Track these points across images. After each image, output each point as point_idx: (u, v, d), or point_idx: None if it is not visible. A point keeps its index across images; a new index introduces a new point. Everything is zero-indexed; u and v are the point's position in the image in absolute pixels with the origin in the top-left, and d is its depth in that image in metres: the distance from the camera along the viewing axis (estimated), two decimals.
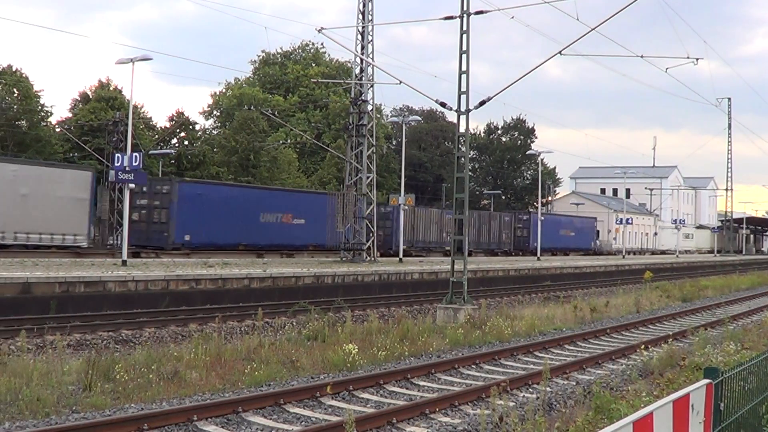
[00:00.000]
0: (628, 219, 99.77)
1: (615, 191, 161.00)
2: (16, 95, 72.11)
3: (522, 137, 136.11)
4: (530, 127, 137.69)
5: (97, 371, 16.54)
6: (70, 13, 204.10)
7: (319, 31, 36.55)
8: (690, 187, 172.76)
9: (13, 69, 73.10)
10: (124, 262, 40.49)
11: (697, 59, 34.42)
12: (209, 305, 33.31)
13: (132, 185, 42.75)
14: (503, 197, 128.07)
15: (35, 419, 13.72)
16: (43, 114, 75.72)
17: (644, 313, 35.89)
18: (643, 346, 22.00)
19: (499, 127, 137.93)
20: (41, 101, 75.03)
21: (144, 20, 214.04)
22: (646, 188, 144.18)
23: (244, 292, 36.04)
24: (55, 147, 74.58)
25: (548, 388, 16.42)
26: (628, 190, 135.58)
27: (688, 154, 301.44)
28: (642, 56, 35.24)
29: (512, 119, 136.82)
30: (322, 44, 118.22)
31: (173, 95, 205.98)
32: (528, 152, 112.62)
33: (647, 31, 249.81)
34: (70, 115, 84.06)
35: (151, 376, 16.91)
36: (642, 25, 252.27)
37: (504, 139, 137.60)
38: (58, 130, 79.50)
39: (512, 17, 33.97)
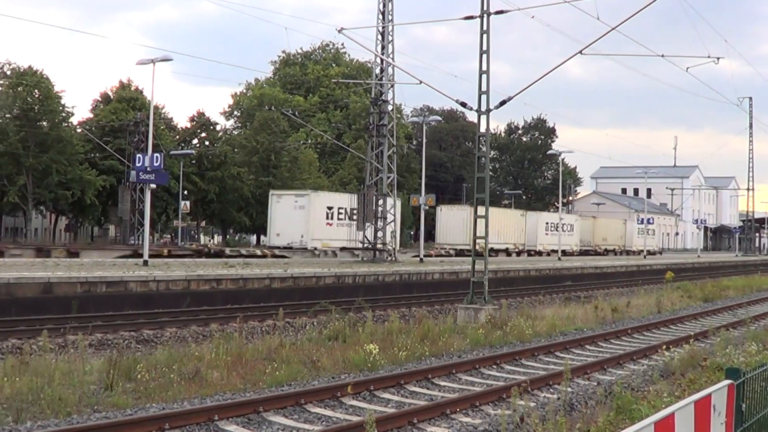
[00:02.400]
0: (649, 219, 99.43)
1: (636, 191, 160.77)
2: (37, 96, 72.29)
3: (542, 137, 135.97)
4: (551, 126, 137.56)
5: (118, 371, 16.58)
6: (90, 14, 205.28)
7: (339, 31, 36.60)
8: (711, 187, 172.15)
9: (34, 70, 73.29)
10: (145, 263, 40.64)
11: (718, 58, 34.34)
12: (230, 305, 33.37)
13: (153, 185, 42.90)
14: (524, 197, 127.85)
15: (57, 418, 13.75)
16: (64, 115, 75.85)
17: (665, 313, 35.75)
18: (664, 347, 21.95)
19: (520, 126, 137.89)
20: (62, 102, 75.22)
21: (164, 21, 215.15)
22: (667, 188, 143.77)
23: (265, 292, 36.09)
24: (76, 147, 74.76)
25: (569, 389, 16.39)
26: (649, 190, 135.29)
27: (709, 154, 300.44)
28: (663, 56, 35.19)
29: (533, 119, 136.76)
30: (342, 44, 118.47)
31: (194, 96, 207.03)
32: (548, 152, 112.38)
33: (668, 30, 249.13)
34: (91, 115, 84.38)
35: (172, 375, 16.94)
36: (663, 25, 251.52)
37: (524, 139, 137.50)
38: (79, 130, 79.71)
39: (532, 17, 33.96)
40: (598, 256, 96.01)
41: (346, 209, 63.01)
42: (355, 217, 58.88)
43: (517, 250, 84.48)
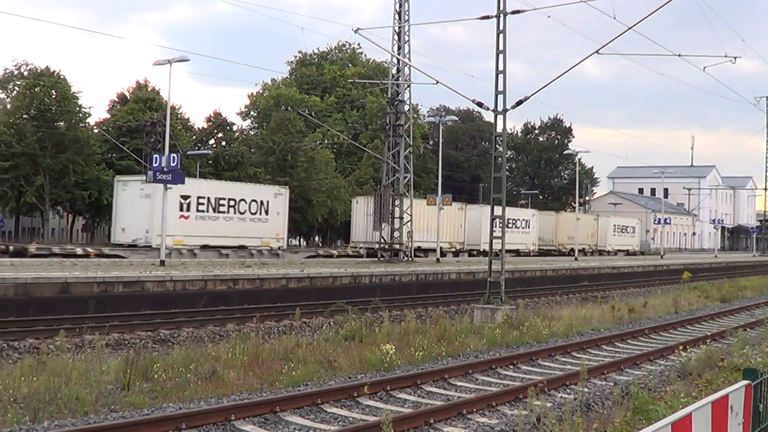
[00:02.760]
0: (666, 219, 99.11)
1: (653, 191, 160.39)
2: (54, 97, 72.49)
3: (559, 137, 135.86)
4: (567, 126, 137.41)
5: (135, 371, 16.62)
6: (106, 14, 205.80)
7: (355, 31, 36.57)
8: (728, 187, 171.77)
9: (51, 71, 73.50)
10: (162, 263, 40.73)
11: (735, 58, 34.25)
12: (247, 305, 33.41)
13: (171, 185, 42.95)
14: (540, 197, 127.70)
15: (74, 418, 13.80)
16: (81, 115, 76.06)
17: (683, 313, 35.66)
18: (681, 347, 21.87)
19: (536, 126, 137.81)
20: (79, 103, 75.44)
21: (180, 21, 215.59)
22: (684, 188, 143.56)
23: (282, 292, 36.13)
24: (93, 148, 74.97)
25: (586, 389, 16.36)
26: (666, 190, 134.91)
27: (726, 154, 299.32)
28: (680, 55, 35.08)
29: (549, 119, 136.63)
30: (358, 44, 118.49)
31: (210, 96, 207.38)
32: (565, 152, 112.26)
33: (685, 29, 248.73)
34: (108, 116, 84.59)
35: (189, 375, 16.99)
36: (679, 24, 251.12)
37: (541, 139, 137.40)
38: (96, 131, 79.94)
39: (549, 16, 34.04)
40: (561, 256, 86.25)
41: (209, 198, 55.72)
42: (222, 207, 56.11)
43: (453, 249, 73.41)
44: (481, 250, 73.60)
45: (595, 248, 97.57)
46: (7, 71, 73.82)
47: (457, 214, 74.27)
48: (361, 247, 66.56)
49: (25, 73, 73.37)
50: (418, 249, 64.49)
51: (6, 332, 24.33)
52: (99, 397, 15.16)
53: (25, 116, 71.56)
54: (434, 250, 63.90)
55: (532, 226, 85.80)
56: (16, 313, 27.44)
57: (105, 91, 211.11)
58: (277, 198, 60.58)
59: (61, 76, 74.02)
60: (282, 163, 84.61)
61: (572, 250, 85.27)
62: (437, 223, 63.47)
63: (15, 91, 73.37)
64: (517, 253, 79.23)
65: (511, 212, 75.76)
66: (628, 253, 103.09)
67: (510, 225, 75.29)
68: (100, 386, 15.81)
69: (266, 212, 59.61)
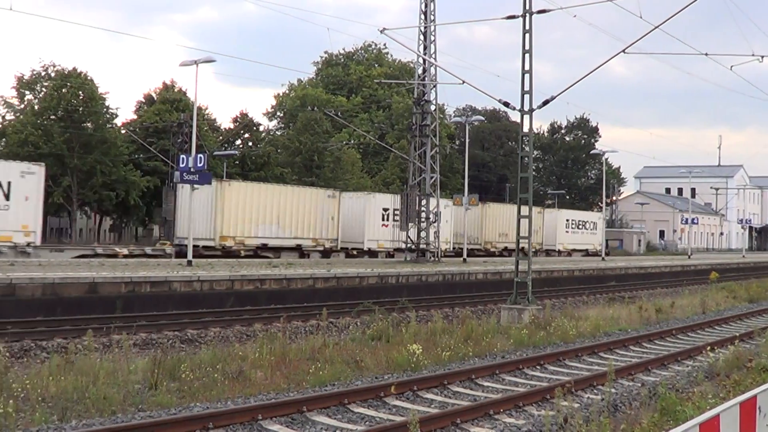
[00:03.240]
0: (693, 219, 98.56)
1: (680, 191, 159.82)
2: (81, 98, 72.87)
3: (586, 136, 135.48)
4: (594, 126, 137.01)
5: (162, 370, 16.67)
6: (132, 16, 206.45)
7: (381, 31, 36.57)
8: (756, 187, 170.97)
9: (78, 72, 73.87)
10: (189, 263, 40.83)
11: (762, 57, 34.14)
12: (274, 305, 33.44)
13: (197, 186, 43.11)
14: (567, 197, 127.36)
15: (102, 417, 13.85)
16: (108, 116, 76.50)
17: (710, 314, 35.51)
18: (709, 348, 21.79)
19: (563, 126, 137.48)
20: (106, 104, 75.84)
21: (206, 22, 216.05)
22: (711, 188, 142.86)
23: (309, 292, 36.17)
24: (120, 149, 75.34)
25: (613, 390, 16.31)
26: (693, 190, 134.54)
27: (754, 153, 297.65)
28: (707, 54, 34.98)
29: (576, 118, 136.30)
30: (384, 45, 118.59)
31: (236, 97, 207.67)
32: (592, 152, 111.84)
33: (712, 28, 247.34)
34: (135, 117, 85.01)
35: (216, 375, 17.02)
36: (706, 23, 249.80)
37: (567, 139, 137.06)
38: (123, 131, 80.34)
39: (575, 16, 33.97)
40: (491, 257, 71.10)
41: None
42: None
43: (319, 248, 59.01)
44: (366, 248, 61.70)
45: (540, 248, 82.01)
46: (35, 72, 74.26)
47: (326, 203, 60.01)
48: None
49: (53, 74, 73.77)
50: (266, 247, 57.60)
51: (34, 332, 24.46)
52: (126, 396, 15.21)
53: (52, 117, 71.97)
54: (296, 248, 57.33)
55: (446, 219, 67.09)
56: (44, 313, 27.58)
57: (132, 92, 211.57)
58: (26, 178, 45.37)
59: (89, 77, 74.46)
60: (309, 164, 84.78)
61: (506, 249, 73.65)
62: (464, 224, 63.47)
63: (42, 92, 73.77)
64: (422, 253, 58.29)
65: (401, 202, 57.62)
66: (587, 253, 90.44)
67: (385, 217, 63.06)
68: (127, 386, 15.85)
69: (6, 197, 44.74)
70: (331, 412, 14.87)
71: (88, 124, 73.17)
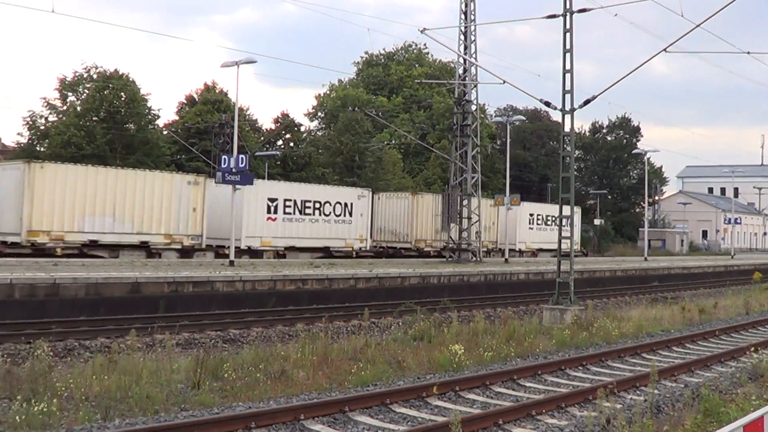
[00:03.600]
0: (736, 219, 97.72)
1: (723, 190, 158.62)
2: (123, 99, 73.31)
3: (627, 136, 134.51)
4: (636, 125, 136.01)
5: (205, 370, 16.77)
6: (174, 17, 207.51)
7: (421, 31, 36.47)
8: None
9: (120, 74, 74.32)
10: (231, 263, 41.00)
11: None
12: (316, 305, 33.56)
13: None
14: (609, 197, 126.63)
15: (145, 416, 13.96)
16: (150, 117, 76.90)
17: (754, 314, 35.22)
18: (752, 348, 21.65)
19: (604, 125, 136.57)
20: (148, 105, 76.26)
21: (247, 23, 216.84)
22: (754, 187, 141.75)
23: (351, 292, 36.23)
24: (162, 149, 75.76)
25: (656, 391, 16.22)
26: (736, 189, 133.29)
27: None
28: (749, 53, 34.76)
29: (617, 118, 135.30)
30: (424, 45, 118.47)
31: (277, 97, 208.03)
32: (634, 151, 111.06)
33: (754, 26, 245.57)
34: (177, 117, 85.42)
35: (258, 375, 17.09)
36: (748, 21, 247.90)
37: (609, 138, 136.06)
38: (165, 132, 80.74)
39: (615, 15, 33.73)
40: (414, 259, 59.06)
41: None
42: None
43: (175, 246, 48.94)
44: (246, 247, 51.68)
45: (495, 246, 69.70)
46: (77, 74, 74.74)
47: (182, 189, 49.86)
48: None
49: (95, 76, 74.22)
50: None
51: (78, 331, 24.67)
52: (169, 395, 15.35)
53: (95, 118, 72.40)
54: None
55: (358, 212, 58.34)
56: (87, 313, 27.83)
57: (174, 93, 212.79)
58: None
59: (130, 79, 74.86)
60: (350, 164, 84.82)
61: (445, 248, 60.11)
62: (505, 224, 63.25)
63: (85, 94, 74.25)
64: (330, 254, 55.89)
65: (306, 190, 56.44)
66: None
67: (314, 211, 55.80)
68: (170, 385, 15.97)
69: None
70: (373, 412, 14.90)
71: (131, 125, 73.57)
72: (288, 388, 16.50)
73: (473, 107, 56.30)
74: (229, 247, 44.50)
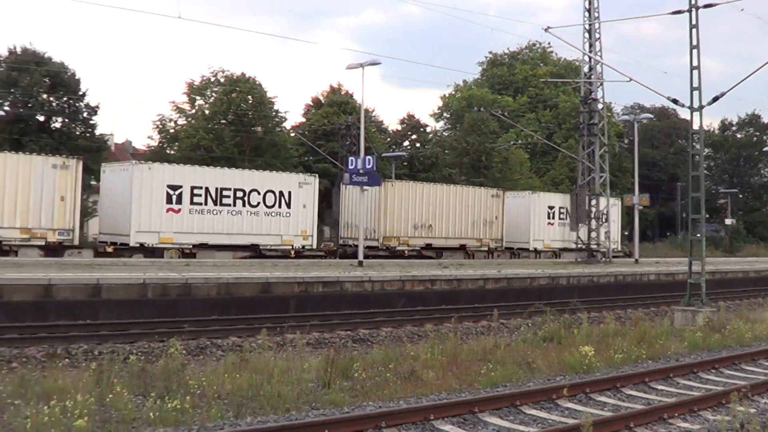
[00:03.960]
0: None
1: None
2: (250, 102, 74.24)
3: (758, 133, 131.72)
4: (766, 122, 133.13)
5: (335, 369, 16.90)
6: (298, 20, 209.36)
7: (545, 30, 36.25)
8: None
9: (247, 77, 75.29)
10: (360, 263, 41.28)
11: None
12: (444, 305, 33.58)
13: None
14: (740, 196, 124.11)
15: (276, 414, 14.10)
16: (277, 120, 77.73)
17: None
18: None
19: (734, 123, 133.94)
20: (275, 107, 77.13)
21: (371, 25, 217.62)
22: None
23: (479, 293, 36.21)
24: (290, 151, 76.55)
25: None
26: None
27: None
28: None
29: (746, 115, 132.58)
30: (549, 43, 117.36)
31: (402, 98, 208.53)
32: (764, 149, 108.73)
33: None
34: (304, 120, 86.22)
35: (388, 375, 17.15)
36: None
37: (739, 136, 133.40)
38: (292, 135, 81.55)
39: (742, 9, 33.09)
40: (393, 259, 52.45)
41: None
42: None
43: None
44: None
45: (499, 246, 60.43)
46: (205, 78, 75.97)
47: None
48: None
49: (222, 80, 75.34)
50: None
51: (210, 330, 25.11)
52: (300, 394, 15.49)
53: (223, 121, 73.47)
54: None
55: (299, 203, 50.78)
56: (219, 312, 28.33)
57: (300, 95, 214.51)
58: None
59: (257, 82, 75.77)
60: (476, 164, 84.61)
61: (427, 246, 56.17)
62: (636, 222, 62.48)
63: (212, 98, 75.40)
64: (259, 253, 48.94)
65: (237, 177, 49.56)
66: (591, 254, 57.62)
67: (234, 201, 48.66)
68: (301, 384, 16.13)
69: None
70: (502, 413, 14.85)
71: (258, 128, 74.47)
72: (417, 388, 16.54)
73: (600, 106, 55.86)
74: (116, 244, 44.31)
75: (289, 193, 50.07)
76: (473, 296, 35.72)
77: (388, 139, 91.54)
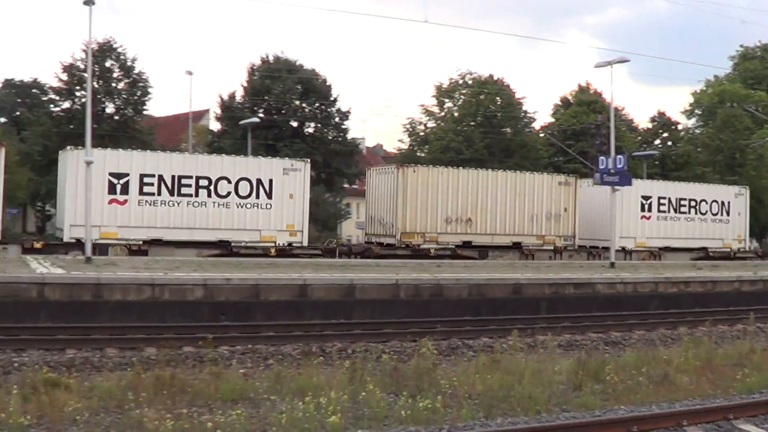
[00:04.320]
0: None
1: None
2: (498, 103, 74.52)
3: None
4: None
5: (586, 372, 16.85)
6: (543, 20, 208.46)
7: None
8: None
9: (495, 78, 75.57)
10: (612, 264, 40.91)
11: None
12: (698, 308, 32.87)
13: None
14: None
15: (526, 416, 14.14)
16: (526, 120, 77.76)
17: None
18: None
19: None
20: (523, 108, 77.11)
21: (617, 22, 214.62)
22: None
23: (734, 295, 35.29)
24: (540, 152, 76.39)
25: None
26: None
27: None
28: None
29: None
30: None
31: (652, 96, 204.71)
32: None
33: None
34: (552, 120, 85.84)
35: (640, 378, 16.95)
36: None
37: None
38: (541, 135, 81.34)
39: None
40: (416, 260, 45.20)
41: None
42: None
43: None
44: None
45: (570, 244, 52.44)
46: (453, 80, 76.68)
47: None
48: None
49: (470, 82, 75.89)
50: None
51: (461, 331, 25.36)
52: (551, 396, 15.44)
53: (472, 123, 73.99)
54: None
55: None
56: (470, 313, 28.57)
57: (547, 95, 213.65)
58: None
59: (505, 83, 75.99)
60: (730, 162, 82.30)
61: (465, 244, 49.30)
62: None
63: (461, 100, 76.03)
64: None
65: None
66: (707, 254, 56.01)
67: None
68: (551, 386, 16.09)
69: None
70: (758, 420, 14.45)
71: (507, 129, 74.65)
72: (670, 392, 16.26)
73: None
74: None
75: (270, 181, 44.63)
76: (728, 299, 34.80)
77: (639, 138, 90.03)
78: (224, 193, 43.07)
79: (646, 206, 53.27)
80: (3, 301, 25.07)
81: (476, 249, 49.21)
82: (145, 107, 67.11)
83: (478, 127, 73.29)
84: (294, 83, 68.16)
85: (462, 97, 75.98)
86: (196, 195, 42.53)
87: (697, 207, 55.37)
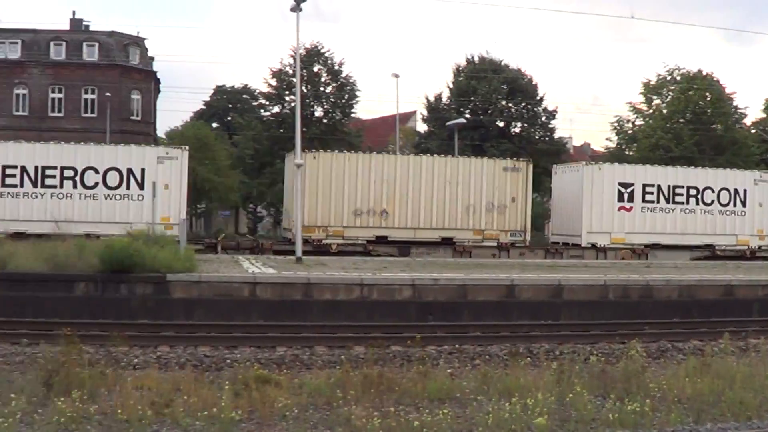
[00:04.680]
0: None
1: None
2: (708, 99, 72.83)
3: None
4: None
5: None
6: (756, 12, 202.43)
7: None
8: None
9: (704, 74, 73.90)
10: None
11: None
12: None
13: None
14: None
15: (737, 422, 13.86)
16: (737, 116, 75.78)
17: None
18: None
19: None
20: (734, 104, 75.17)
21: None
22: None
23: None
24: (751, 149, 74.35)
25: None
26: None
27: None
28: None
29: None
30: None
31: None
32: None
33: None
34: (765, 115, 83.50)
35: None
36: None
37: None
38: (753, 131, 79.16)
39: None
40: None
41: None
42: None
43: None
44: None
45: (518, 240, 45.68)
46: (661, 77, 75.34)
47: None
48: None
49: (678, 78, 74.42)
50: None
51: (670, 333, 25.02)
52: (762, 402, 15.02)
53: (681, 120, 72.56)
54: None
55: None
56: (680, 315, 28.14)
57: (759, 90, 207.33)
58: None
59: (714, 78, 74.21)
60: None
61: (380, 239, 43.87)
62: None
63: (669, 96, 74.63)
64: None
65: None
66: (713, 252, 48.24)
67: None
68: (764, 391, 15.64)
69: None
70: None
71: (717, 126, 72.92)
72: None
73: None
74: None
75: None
76: None
77: None
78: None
79: (626, 195, 46.00)
80: (217, 299, 26.11)
81: (394, 245, 43.76)
82: (352, 110, 68.76)
83: (687, 123, 71.77)
84: (500, 83, 68.29)
85: (670, 93, 74.51)
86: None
87: (700, 196, 47.91)
